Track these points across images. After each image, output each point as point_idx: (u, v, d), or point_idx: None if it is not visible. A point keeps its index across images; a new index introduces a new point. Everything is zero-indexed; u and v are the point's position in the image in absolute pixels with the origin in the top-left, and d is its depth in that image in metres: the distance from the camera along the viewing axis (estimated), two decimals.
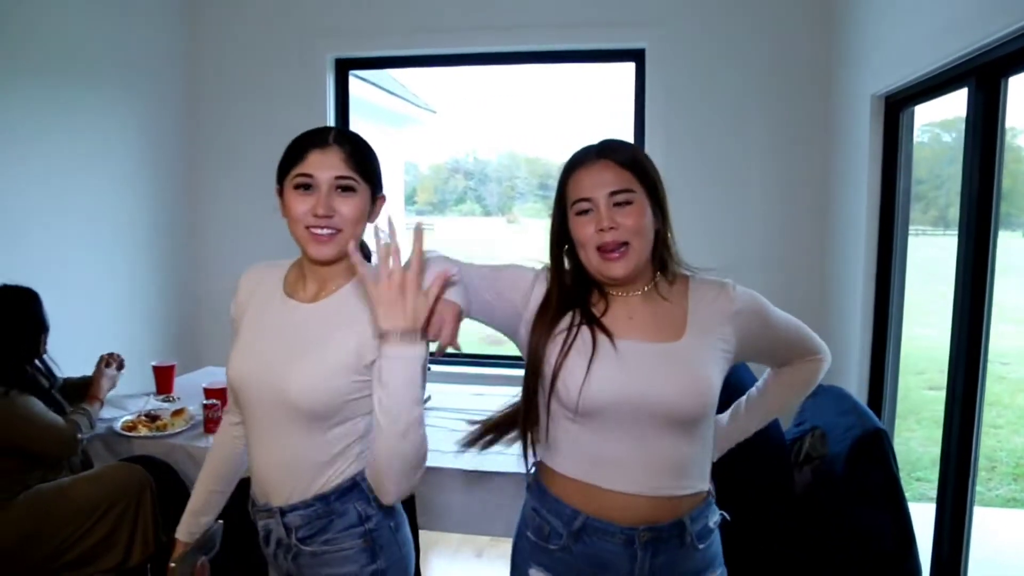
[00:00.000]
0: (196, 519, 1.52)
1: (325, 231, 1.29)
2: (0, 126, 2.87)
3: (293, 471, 1.33)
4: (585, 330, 1.31)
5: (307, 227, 1.30)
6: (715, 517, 1.40)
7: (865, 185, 2.89)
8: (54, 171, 3.16)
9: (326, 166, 1.29)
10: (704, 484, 1.37)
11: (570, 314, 1.34)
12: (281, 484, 1.35)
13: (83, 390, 2.52)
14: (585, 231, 1.29)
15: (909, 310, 2.95)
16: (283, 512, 1.35)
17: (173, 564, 1.47)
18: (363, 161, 1.33)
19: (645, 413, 1.27)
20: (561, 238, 1.37)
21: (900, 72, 2.57)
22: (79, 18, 3.26)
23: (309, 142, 1.31)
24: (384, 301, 1.17)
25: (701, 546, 1.35)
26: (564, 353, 1.30)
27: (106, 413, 2.63)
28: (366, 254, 1.85)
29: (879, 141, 2.85)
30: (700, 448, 1.34)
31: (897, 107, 2.79)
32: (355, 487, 1.33)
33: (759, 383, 1.58)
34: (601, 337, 1.30)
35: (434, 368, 2.80)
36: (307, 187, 1.29)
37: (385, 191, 1.41)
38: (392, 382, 1.18)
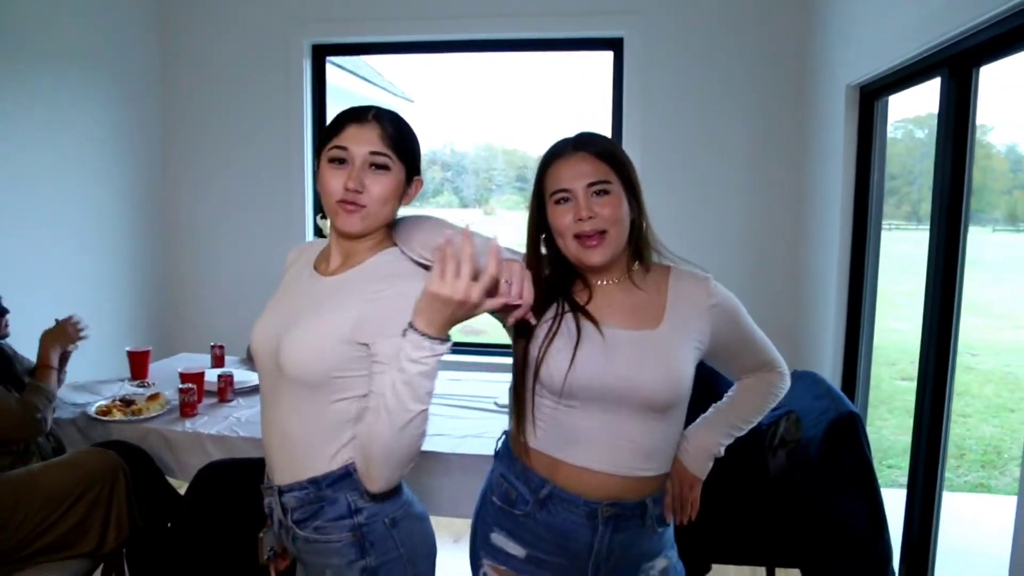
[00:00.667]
0: None
1: (351, 206, 1.30)
2: None
3: (287, 446, 1.34)
4: (570, 318, 1.35)
5: (338, 200, 1.30)
6: None
7: (840, 174, 2.93)
8: (25, 158, 3.11)
9: (362, 140, 1.29)
10: (667, 468, 1.43)
11: (555, 303, 1.37)
12: (279, 460, 1.36)
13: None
14: (563, 220, 1.33)
15: (882, 303, 3.00)
16: (281, 491, 1.36)
17: (262, 535, 1.45)
18: (401, 140, 1.33)
19: (623, 398, 1.31)
20: (539, 227, 1.41)
21: (875, 62, 2.60)
22: (51, 4, 3.20)
23: (349, 116, 1.32)
24: (438, 304, 1.14)
25: (660, 530, 1.42)
26: (548, 340, 1.33)
27: (80, 398, 2.59)
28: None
29: (854, 130, 2.89)
30: (670, 433, 1.40)
31: (872, 97, 2.82)
32: (347, 476, 1.31)
33: (726, 396, 1.58)
34: (586, 324, 1.34)
35: None
36: (342, 160, 1.30)
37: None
38: (411, 369, 1.17)
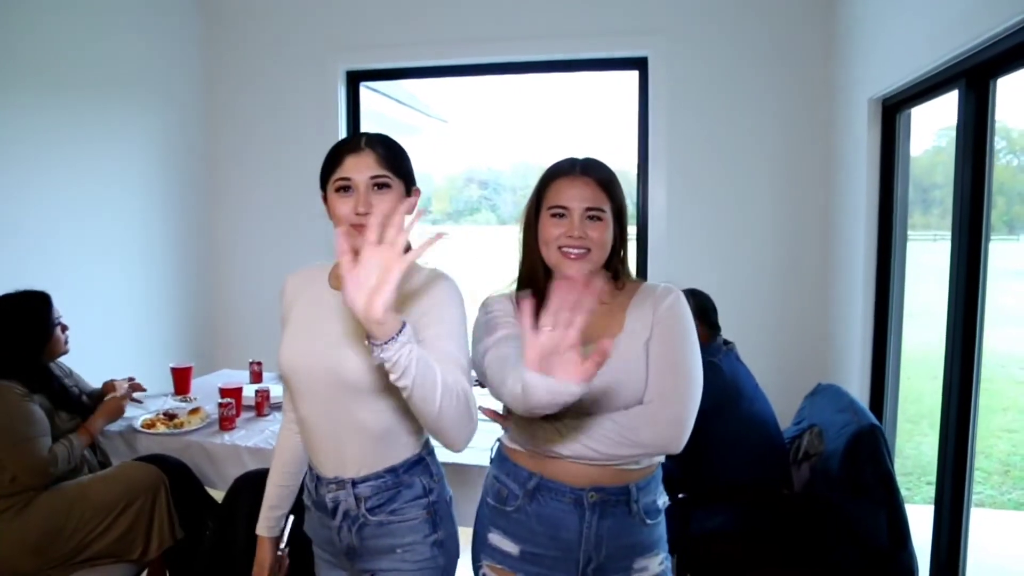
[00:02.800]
0: (272, 513, 1.65)
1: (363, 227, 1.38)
2: (27, 139, 3.00)
3: (364, 443, 1.45)
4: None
5: (352, 224, 1.40)
6: (664, 498, 1.54)
7: (864, 186, 2.93)
8: (78, 181, 3.28)
9: (361, 168, 1.41)
10: (648, 459, 1.48)
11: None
12: (353, 456, 1.47)
13: (95, 403, 2.61)
14: (554, 232, 1.46)
15: (921, 314, 2.96)
16: (355, 483, 1.47)
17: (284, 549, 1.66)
18: (394, 159, 1.45)
19: (592, 401, 1.43)
20: (529, 231, 1.53)
21: (896, 75, 2.61)
22: (99, 35, 3.39)
23: (344, 148, 1.44)
24: (356, 279, 1.09)
25: (650, 522, 1.49)
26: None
27: (128, 412, 2.71)
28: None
29: (876, 143, 2.89)
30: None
31: (893, 110, 2.83)
32: (421, 461, 1.51)
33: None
34: None
35: None
36: (347, 189, 1.42)
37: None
38: (396, 381, 1.19)
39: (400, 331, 1.13)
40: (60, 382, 2.44)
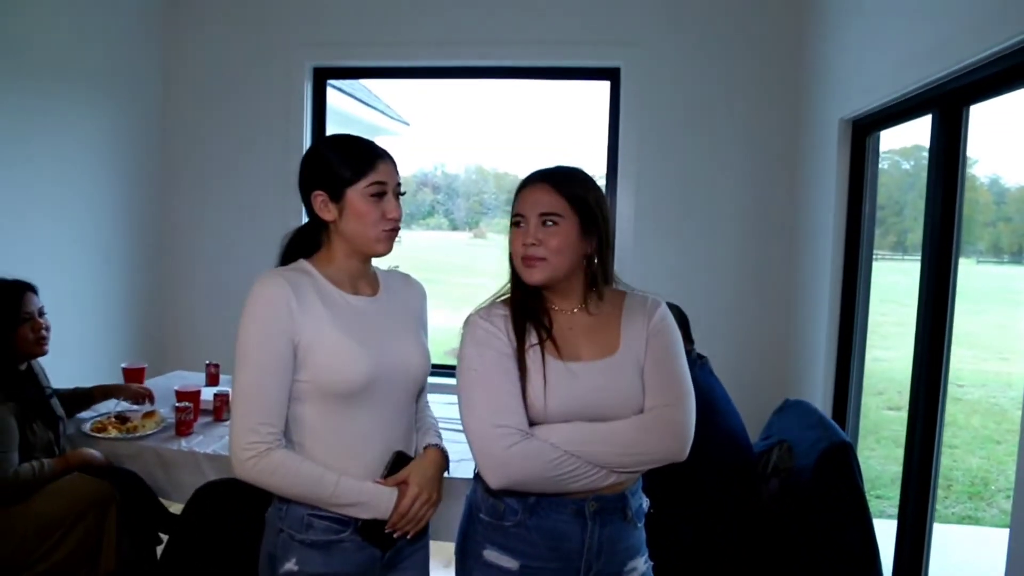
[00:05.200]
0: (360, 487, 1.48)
1: (394, 232, 1.52)
2: None
3: (408, 435, 1.56)
4: (536, 351, 1.45)
5: (384, 229, 1.48)
6: (646, 500, 1.57)
7: (833, 205, 2.98)
8: (23, 174, 3.11)
9: (391, 174, 1.50)
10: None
11: (525, 334, 1.48)
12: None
13: (71, 403, 2.50)
14: (516, 243, 1.47)
15: (870, 333, 3.04)
16: None
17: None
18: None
19: (592, 417, 1.43)
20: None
21: (868, 97, 2.66)
22: (53, 22, 3.23)
23: (374, 153, 1.49)
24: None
25: (640, 525, 1.53)
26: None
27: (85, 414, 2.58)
28: None
29: (846, 164, 2.95)
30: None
31: (864, 131, 2.88)
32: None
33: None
34: (551, 360, 1.44)
35: None
36: (382, 194, 1.47)
37: None
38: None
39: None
40: (37, 389, 2.28)
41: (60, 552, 2.09)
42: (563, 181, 1.46)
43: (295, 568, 1.44)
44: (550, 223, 1.43)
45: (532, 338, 1.46)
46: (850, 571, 2.19)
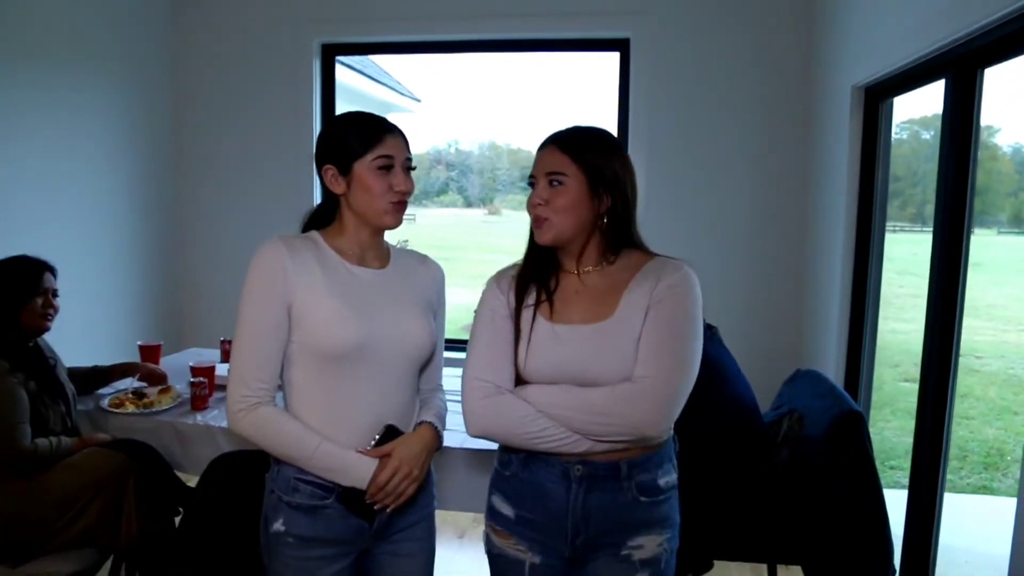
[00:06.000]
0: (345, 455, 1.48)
1: (401, 204, 1.53)
2: None
3: (406, 411, 1.56)
4: (530, 312, 1.49)
5: (391, 201, 1.50)
6: (667, 478, 1.50)
7: (845, 174, 2.95)
8: (37, 154, 3.15)
9: (400, 148, 1.51)
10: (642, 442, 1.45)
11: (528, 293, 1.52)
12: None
13: (90, 380, 2.55)
14: (529, 202, 1.50)
15: (885, 305, 3.01)
16: None
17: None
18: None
19: (576, 380, 1.44)
20: None
21: (880, 63, 2.62)
22: (63, 3, 3.24)
23: (382, 127, 1.51)
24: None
25: (644, 499, 1.46)
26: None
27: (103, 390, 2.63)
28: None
29: (859, 131, 2.91)
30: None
31: (876, 98, 2.84)
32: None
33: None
34: (540, 321, 1.48)
35: None
36: (389, 167, 1.49)
37: None
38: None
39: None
40: (48, 365, 2.31)
41: (81, 522, 2.14)
42: (571, 141, 1.47)
43: (282, 528, 1.49)
44: (556, 183, 1.45)
45: (532, 299, 1.50)
46: (860, 539, 2.19)
